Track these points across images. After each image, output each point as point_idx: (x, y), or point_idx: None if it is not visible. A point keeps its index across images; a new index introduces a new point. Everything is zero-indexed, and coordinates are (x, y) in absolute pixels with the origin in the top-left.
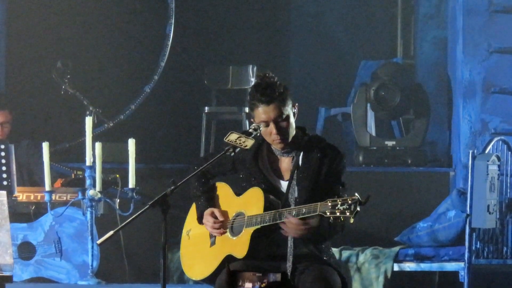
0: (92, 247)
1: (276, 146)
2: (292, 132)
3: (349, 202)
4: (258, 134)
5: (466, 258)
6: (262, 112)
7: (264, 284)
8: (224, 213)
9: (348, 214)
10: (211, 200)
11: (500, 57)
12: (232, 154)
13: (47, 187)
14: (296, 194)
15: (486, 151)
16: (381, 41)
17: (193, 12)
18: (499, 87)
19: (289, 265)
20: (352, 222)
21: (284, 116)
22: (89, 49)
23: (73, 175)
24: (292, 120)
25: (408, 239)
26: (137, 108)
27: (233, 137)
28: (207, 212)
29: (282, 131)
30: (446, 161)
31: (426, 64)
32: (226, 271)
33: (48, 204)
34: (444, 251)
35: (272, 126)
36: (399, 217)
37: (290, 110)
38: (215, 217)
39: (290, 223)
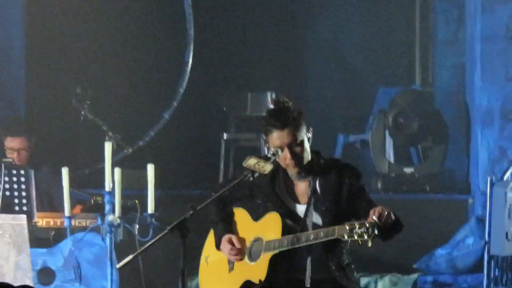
0: (111, 272)
1: (291, 171)
2: (307, 156)
3: (367, 225)
4: (277, 159)
5: (484, 286)
6: (276, 137)
7: None
8: (242, 239)
9: (366, 237)
10: (229, 226)
11: None
12: (251, 179)
13: (67, 212)
14: (313, 218)
15: (505, 178)
16: (399, 68)
17: (212, 39)
18: None
19: None
20: (370, 245)
21: (298, 141)
22: (109, 75)
23: (92, 200)
24: (307, 145)
25: (427, 266)
26: (156, 134)
27: (252, 161)
28: (225, 238)
29: (297, 156)
30: (464, 188)
31: (444, 91)
32: None
33: (68, 229)
34: (463, 278)
35: (286, 151)
36: (417, 244)
37: (304, 135)
38: (233, 244)
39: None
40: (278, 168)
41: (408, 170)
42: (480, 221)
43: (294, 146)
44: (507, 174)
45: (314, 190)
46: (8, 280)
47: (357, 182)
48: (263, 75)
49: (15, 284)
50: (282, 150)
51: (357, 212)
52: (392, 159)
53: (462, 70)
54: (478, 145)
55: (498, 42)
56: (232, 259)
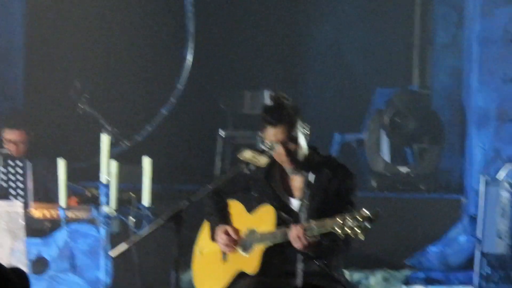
0: (106, 263)
1: (286, 167)
2: (302, 152)
3: (359, 218)
4: (273, 153)
5: (475, 283)
6: (271, 133)
7: None
8: (237, 230)
9: (358, 231)
10: (224, 217)
11: None
12: (247, 171)
13: (62, 203)
14: (306, 213)
15: (498, 178)
16: (397, 69)
17: (211, 37)
18: None
19: (299, 282)
20: (362, 239)
21: (293, 138)
22: (107, 69)
23: (88, 193)
24: (302, 141)
25: (419, 262)
26: (154, 129)
27: (247, 154)
28: (220, 229)
29: (291, 153)
30: (458, 188)
31: (441, 93)
32: None
33: (63, 220)
34: (454, 275)
35: (281, 147)
36: (410, 241)
37: (299, 132)
38: (228, 235)
39: (294, 234)
40: (274, 162)
41: (404, 169)
42: (473, 219)
43: (289, 142)
44: (501, 174)
45: (308, 185)
46: None
47: (347, 183)
48: (261, 74)
49: None
50: (289, 154)
51: (333, 211)
52: (387, 159)
53: (460, 72)
54: (473, 146)
55: (496, 45)
56: (226, 250)
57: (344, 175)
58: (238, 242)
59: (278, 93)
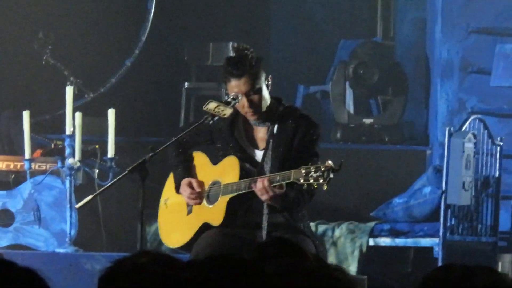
0: (71, 215)
1: (249, 118)
2: (266, 104)
3: (322, 169)
4: (237, 104)
5: (440, 234)
6: (234, 85)
7: None
8: (201, 182)
9: (321, 181)
10: (189, 169)
11: (478, 37)
12: (211, 122)
13: (27, 155)
14: (270, 164)
15: (463, 129)
16: (361, 21)
17: None
18: (477, 67)
19: (264, 233)
20: (325, 188)
21: (255, 89)
22: (71, 20)
23: (53, 145)
24: (265, 92)
25: (384, 214)
26: (117, 81)
27: (212, 105)
28: (185, 182)
29: (254, 104)
30: (423, 140)
31: (405, 44)
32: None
33: (28, 172)
34: (419, 226)
35: (244, 99)
36: (375, 193)
37: (262, 83)
38: (192, 188)
39: (260, 186)
40: (237, 113)
41: (368, 121)
42: (438, 171)
43: (252, 94)
44: (465, 126)
45: (272, 136)
46: None
47: (311, 133)
48: (225, 25)
49: None
50: (241, 96)
51: (297, 164)
52: (352, 110)
53: (423, 24)
54: (438, 97)
55: None
56: (191, 202)
57: (307, 125)
58: (202, 194)
59: (241, 45)
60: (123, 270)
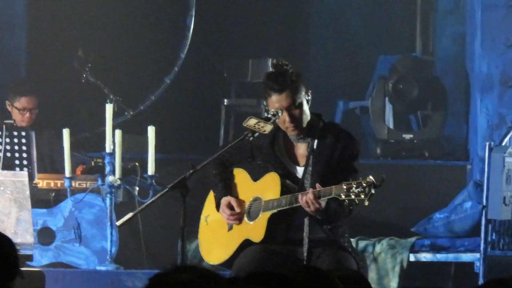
0: (111, 233)
1: (290, 134)
2: (306, 119)
3: (364, 185)
4: (277, 120)
5: (481, 249)
6: (275, 100)
7: None
8: (241, 201)
9: (363, 196)
10: (229, 188)
11: None
12: (251, 138)
13: (67, 173)
14: (310, 180)
15: (503, 144)
16: (400, 36)
17: (214, 4)
18: None
19: (305, 249)
20: (367, 204)
21: (296, 104)
22: (111, 38)
23: (93, 163)
24: (306, 107)
25: (425, 229)
26: (157, 99)
27: (252, 122)
28: (224, 202)
29: (295, 119)
30: (463, 155)
31: (444, 59)
32: None
33: (68, 190)
34: (460, 242)
35: (285, 114)
36: (416, 209)
37: (303, 98)
38: (232, 208)
39: (305, 199)
40: (278, 130)
41: (407, 136)
42: (478, 186)
43: (293, 109)
44: (506, 140)
45: (312, 152)
46: (9, 235)
47: (351, 149)
48: (264, 42)
49: (16, 240)
50: (282, 112)
51: (337, 179)
52: (391, 125)
53: (463, 38)
54: (477, 112)
55: (499, 10)
56: (231, 223)
57: (347, 141)
58: (241, 215)
59: (280, 60)
60: (165, 286)
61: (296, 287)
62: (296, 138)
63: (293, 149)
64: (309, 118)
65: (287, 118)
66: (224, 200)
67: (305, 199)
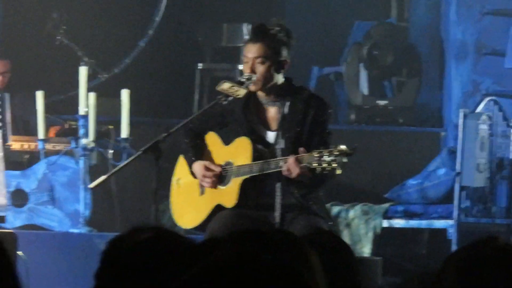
0: (85, 195)
1: (261, 97)
2: (267, 81)
3: (336, 153)
4: (251, 84)
5: (455, 216)
6: (246, 49)
7: None
8: (216, 166)
9: (334, 165)
10: (200, 154)
11: (493, 19)
12: (225, 102)
13: (41, 135)
14: (282, 145)
15: (477, 111)
16: (375, 2)
17: None
18: (491, 49)
19: (277, 214)
20: (339, 173)
21: (263, 59)
22: (85, 0)
23: (66, 125)
24: (273, 71)
25: (398, 196)
26: (131, 62)
27: (226, 85)
28: (199, 165)
29: (254, 72)
30: (437, 122)
31: (419, 26)
32: None
33: (42, 152)
34: (433, 208)
35: (248, 64)
36: (389, 175)
37: (274, 59)
38: (209, 170)
39: (286, 166)
40: (250, 94)
41: (382, 102)
42: (452, 152)
43: (258, 62)
44: (480, 107)
45: (283, 116)
46: None
47: (322, 113)
48: (239, 6)
49: None
50: (255, 73)
51: (310, 144)
52: (366, 92)
53: (438, 5)
54: (452, 79)
55: None
56: (207, 185)
57: (318, 105)
58: (218, 175)
59: (279, 21)
60: (123, 248)
61: (269, 245)
62: (266, 101)
63: (265, 113)
64: (278, 82)
65: (247, 69)
66: (199, 164)
67: (286, 165)
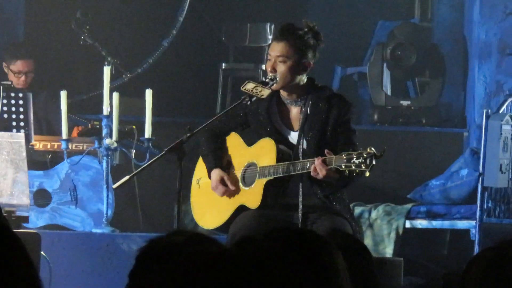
0: (107, 195)
1: (284, 97)
2: (287, 80)
3: (364, 155)
4: (275, 85)
5: (477, 217)
6: (271, 47)
7: None
8: (236, 164)
9: (363, 167)
10: (220, 157)
11: None
12: (248, 103)
13: (64, 135)
14: (305, 145)
15: (500, 112)
16: (399, 2)
17: None
18: None
19: (300, 215)
20: (367, 175)
21: (284, 59)
22: (109, 0)
23: (90, 125)
24: (294, 70)
25: (421, 196)
26: (155, 62)
27: (250, 86)
28: (217, 177)
29: (274, 70)
30: (460, 122)
31: (442, 26)
32: None
33: (65, 152)
34: (456, 209)
35: (270, 62)
36: (412, 175)
37: (298, 59)
38: (225, 184)
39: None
40: (273, 95)
41: (405, 102)
42: (475, 153)
43: (279, 61)
44: (503, 108)
45: (306, 116)
46: (5, 196)
47: (345, 113)
48: (263, 6)
49: (12, 202)
50: (276, 71)
51: (335, 144)
52: (389, 92)
53: (461, 5)
54: (475, 79)
55: None
56: (218, 194)
57: (341, 105)
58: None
59: (309, 22)
60: (158, 249)
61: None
62: (289, 101)
63: (288, 113)
64: (300, 83)
65: (268, 67)
66: (216, 175)
67: (313, 166)
